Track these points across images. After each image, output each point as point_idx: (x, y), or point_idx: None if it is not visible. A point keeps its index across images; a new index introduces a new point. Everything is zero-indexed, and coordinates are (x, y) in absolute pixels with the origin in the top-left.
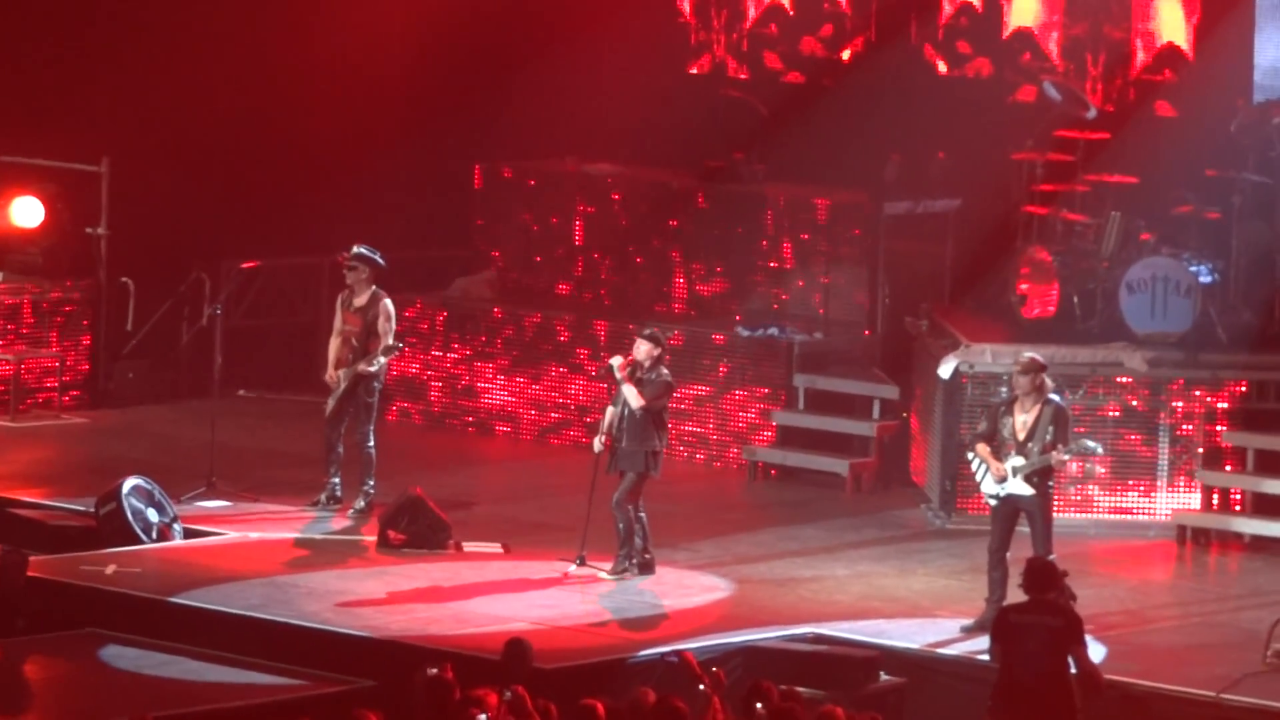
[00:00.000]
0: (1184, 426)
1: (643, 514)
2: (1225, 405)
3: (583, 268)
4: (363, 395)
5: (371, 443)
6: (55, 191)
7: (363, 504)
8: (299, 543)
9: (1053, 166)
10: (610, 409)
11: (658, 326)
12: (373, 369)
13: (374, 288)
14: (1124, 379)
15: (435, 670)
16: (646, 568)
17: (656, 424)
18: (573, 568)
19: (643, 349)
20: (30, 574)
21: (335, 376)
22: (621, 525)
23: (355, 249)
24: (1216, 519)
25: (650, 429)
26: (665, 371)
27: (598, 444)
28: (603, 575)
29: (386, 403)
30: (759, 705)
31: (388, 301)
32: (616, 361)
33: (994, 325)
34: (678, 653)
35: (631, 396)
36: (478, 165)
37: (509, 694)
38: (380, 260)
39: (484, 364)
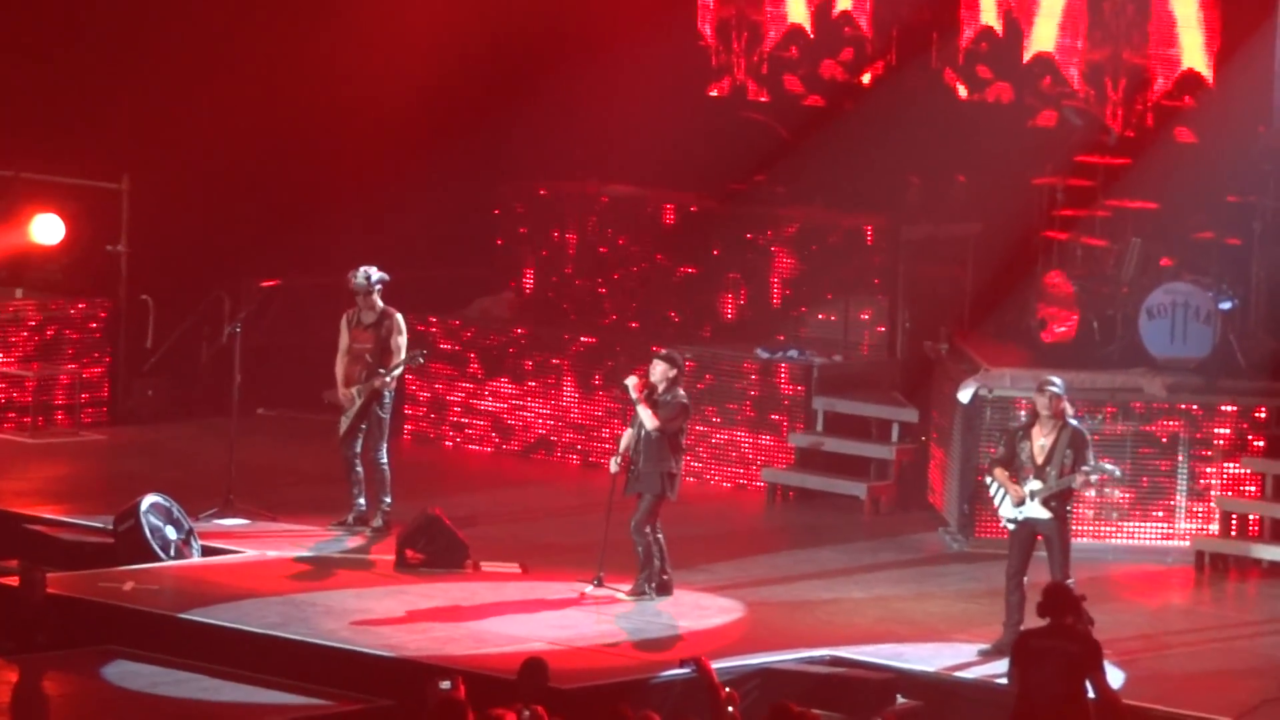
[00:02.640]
0: (1203, 452)
1: (660, 535)
2: (1245, 431)
3: (602, 288)
4: (376, 411)
5: (385, 459)
6: (76, 209)
7: (380, 522)
8: (317, 561)
9: (1073, 191)
10: (628, 431)
11: (679, 347)
12: (390, 379)
13: (381, 304)
14: (1143, 404)
15: (447, 683)
16: (664, 589)
17: (673, 446)
18: (590, 588)
19: (658, 370)
20: (49, 590)
21: (349, 394)
22: (641, 549)
23: (362, 272)
24: (1235, 545)
25: (666, 451)
26: (681, 393)
27: (614, 465)
28: (620, 596)
29: (400, 421)
30: None
31: (399, 316)
32: (632, 382)
33: (1014, 349)
34: (695, 659)
35: (646, 418)
36: (498, 185)
37: (528, 713)
38: (385, 277)
39: (502, 384)
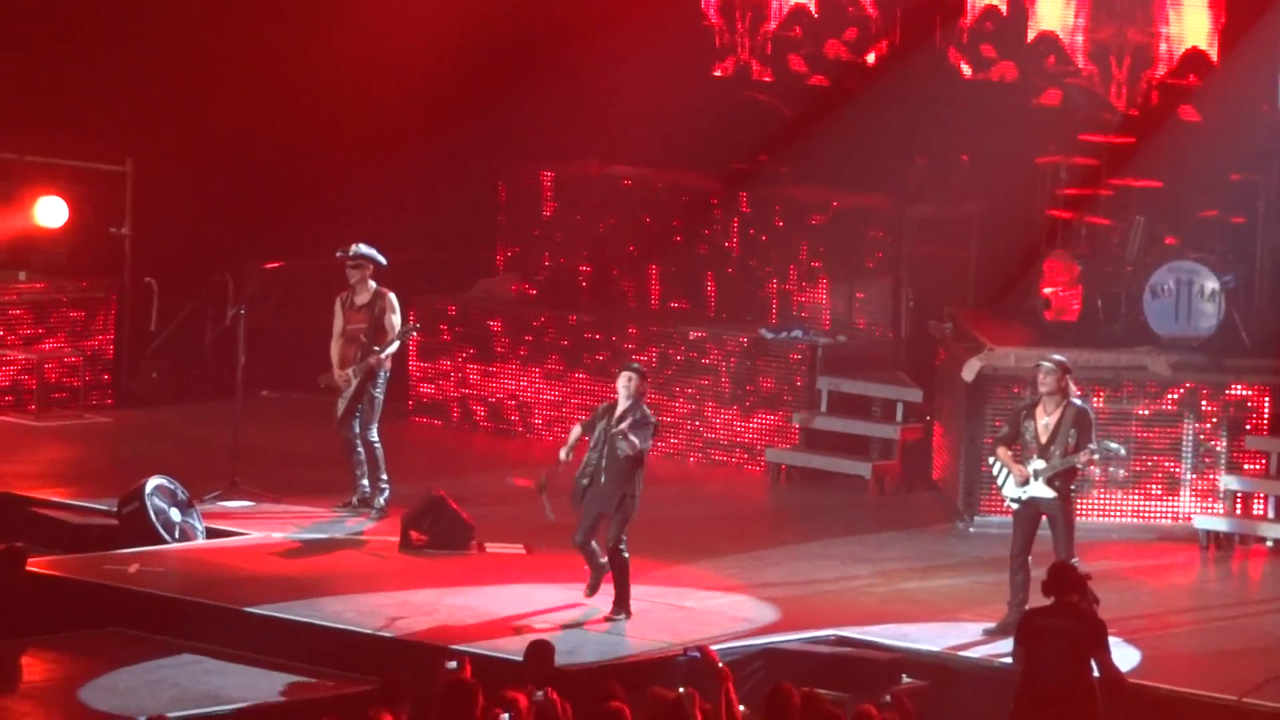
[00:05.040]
0: (1207, 431)
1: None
2: (1249, 409)
3: (605, 269)
4: (371, 390)
5: (376, 438)
6: (80, 192)
7: (381, 501)
8: (321, 543)
9: (1077, 170)
10: (576, 428)
11: (684, 327)
12: (384, 357)
13: (373, 284)
14: (1147, 383)
15: (454, 663)
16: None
17: (639, 465)
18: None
19: (635, 384)
20: (53, 573)
21: (345, 375)
22: (616, 570)
23: (356, 248)
24: (1239, 523)
25: (634, 472)
26: (648, 410)
27: (566, 454)
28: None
29: (404, 403)
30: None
31: (391, 295)
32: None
33: (1018, 329)
34: (699, 647)
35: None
36: (501, 167)
37: (540, 695)
38: (381, 258)
39: (505, 365)
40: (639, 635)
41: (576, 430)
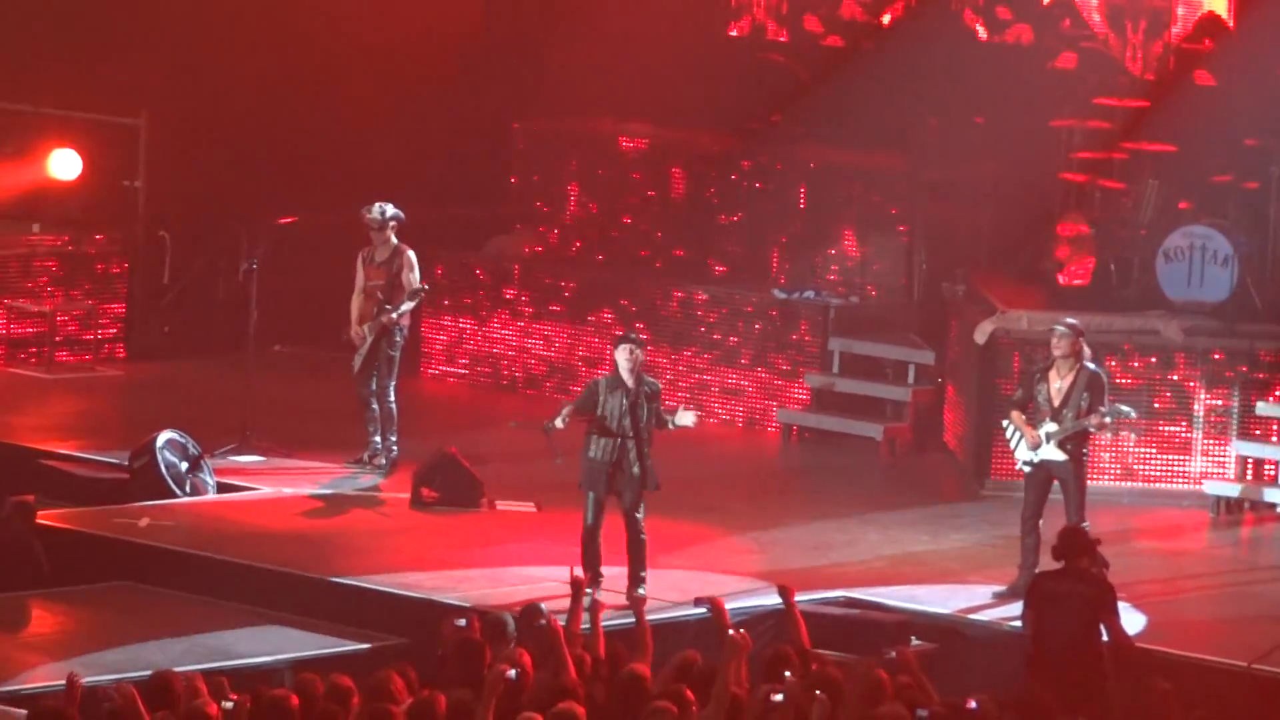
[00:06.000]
0: (1219, 396)
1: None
2: (1261, 375)
3: (618, 228)
4: (385, 348)
5: (392, 397)
6: (94, 144)
7: (384, 461)
8: (332, 499)
9: (1091, 134)
10: (569, 407)
11: (695, 286)
12: (398, 314)
13: (394, 241)
14: (1160, 347)
15: (463, 621)
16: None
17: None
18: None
19: (638, 356)
20: (63, 526)
21: (361, 332)
22: (636, 538)
23: (377, 206)
24: (1250, 489)
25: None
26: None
27: (562, 422)
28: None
29: (417, 361)
30: (787, 674)
31: (410, 253)
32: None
33: (1030, 291)
34: (710, 599)
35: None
36: (515, 124)
37: (543, 621)
38: (400, 215)
39: (518, 323)
40: (649, 595)
41: (568, 409)
